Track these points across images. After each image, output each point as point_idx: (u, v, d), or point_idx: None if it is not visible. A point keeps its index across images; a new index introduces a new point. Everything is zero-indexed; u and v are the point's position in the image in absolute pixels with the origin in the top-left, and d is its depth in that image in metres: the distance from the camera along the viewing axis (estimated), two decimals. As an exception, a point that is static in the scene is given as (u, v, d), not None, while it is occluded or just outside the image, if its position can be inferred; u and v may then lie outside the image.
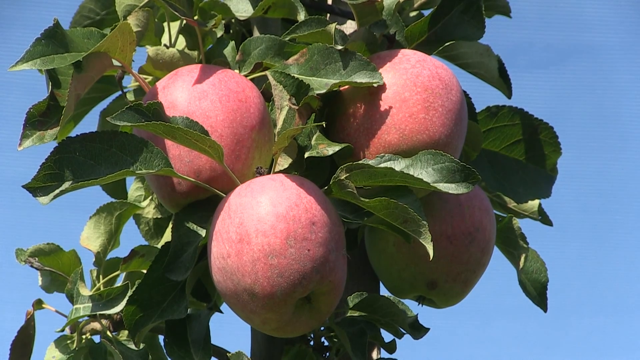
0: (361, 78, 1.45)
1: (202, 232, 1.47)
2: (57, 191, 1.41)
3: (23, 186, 1.42)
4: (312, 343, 1.54)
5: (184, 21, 1.54)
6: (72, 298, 1.68)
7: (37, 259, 1.71)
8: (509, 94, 1.57)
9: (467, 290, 1.55)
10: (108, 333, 1.64)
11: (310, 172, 1.49)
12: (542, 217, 1.61)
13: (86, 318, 1.66)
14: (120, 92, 1.60)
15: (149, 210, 1.65)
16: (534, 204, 1.59)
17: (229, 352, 1.44)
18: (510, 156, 1.56)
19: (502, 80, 1.55)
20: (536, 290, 1.62)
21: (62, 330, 1.69)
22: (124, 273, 1.66)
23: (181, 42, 1.57)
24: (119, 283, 1.65)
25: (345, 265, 1.44)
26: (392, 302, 1.53)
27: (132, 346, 1.59)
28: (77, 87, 1.45)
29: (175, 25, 1.57)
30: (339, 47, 1.46)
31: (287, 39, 1.49)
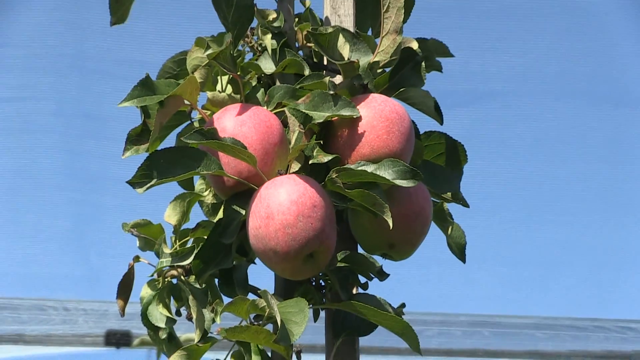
0: (346, 112, 1.45)
1: (243, 212, 1.47)
2: (148, 185, 1.42)
3: (126, 182, 1.42)
4: (313, 283, 1.54)
5: (231, 75, 1.54)
6: (158, 254, 1.68)
7: (135, 229, 1.71)
8: (441, 122, 1.56)
9: (414, 249, 1.55)
10: (182, 277, 1.64)
11: (312, 173, 1.49)
12: (462, 202, 1.61)
13: (167, 267, 1.66)
14: (189, 122, 1.60)
15: (208, 197, 1.65)
16: (450, 194, 1.60)
17: (259, 289, 1.44)
18: (437, 163, 1.56)
19: (436, 113, 1.56)
20: (458, 250, 1.62)
21: (152, 276, 1.68)
22: (192, 238, 1.66)
23: (229, 89, 1.57)
24: (189, 245, 1.65)
25: (335, 234, 1.44)
26: (365, 257, 1.52)
27: (197, 286, 1.59)
28: (161, 117, 1.45)
29: (225, 78, 1.57)
30: (331, 92, 1.46)
31: (298, 87, 1.49)
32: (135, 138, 1.48)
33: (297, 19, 1.60)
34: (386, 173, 1.42)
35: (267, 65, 1.52)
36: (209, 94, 1.54)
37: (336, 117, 1.47)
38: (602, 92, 3.85)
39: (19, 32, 3.53)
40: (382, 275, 1.53)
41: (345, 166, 1.44)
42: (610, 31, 3.73)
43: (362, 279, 1.54)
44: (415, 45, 1.54)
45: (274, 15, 1.55)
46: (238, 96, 1.53)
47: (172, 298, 1.71)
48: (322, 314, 1.55)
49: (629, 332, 3.73)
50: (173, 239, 1.70)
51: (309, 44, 1.56)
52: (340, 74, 1.54)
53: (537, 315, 3.75)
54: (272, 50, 1.53)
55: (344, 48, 1.52)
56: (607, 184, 3.88)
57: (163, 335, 1.73)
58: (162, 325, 1.71)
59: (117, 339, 3.55)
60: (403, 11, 1.50)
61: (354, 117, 1.46)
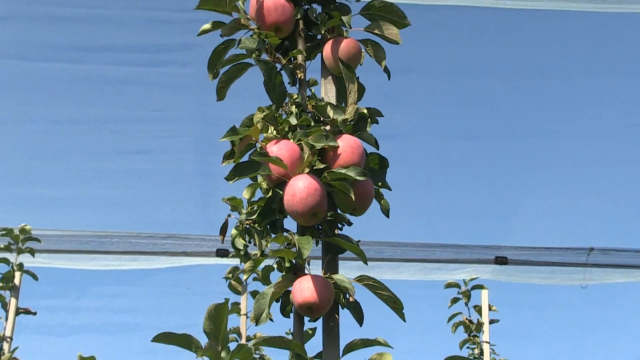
0: (331, 143, 1.40)
1: (281, 192, 1.41)
2: (235, 179, 1.36)
3: (224, 178, 1.36)
4: (316, 227, 1.46)
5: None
6: (239, 213, 1.63)
7: (229, 200, 1.65)
8: (377, 149, 1.50)
9: (365, 211, 1.48)
10: (251, 224, 1.58)
11: (315, 173, 1.43)
12: (388, 187, 1.54)
13: (244, 219, 1.61)
14: (254, 148, 1.54)
15: (264, 185, 1.59)
16: (380, 183, 1.52)
17: (289, 230, 1.37)
18: (374, 167, 1.50)
19: (376, 144, 1.51)
20: (385, 211, 1.56)
21: (237, 224, 1.64)
22: (256, 205, 1.60)
23: (274, 132, 1.51)
24: (254, 209, 1.59)
25: (327, 203, 1.39)
26: (341, 215, 1.46)
27: (259, 228, 1.53)
28: (240, 146, 1.41)
29: (272, 127, 1.51)
30: (324, 134, 1.41)
31: (308, 131, 1.45)
32: (228, 156, 1.44)
33: (308, 98, 1.54)
34: (351, 173, 1.37)
35: (293, 121, 1.47)
36: (265, 134, 1.49)
37: (327, 146, 1.42)
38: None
39: (172, 102, 3.58)
40: (350, 224, 1.48)
41: (331, 170, 1.39)
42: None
43: (340, 226, 1.48)
44: (365, 111, 1.50)
45: (296, 95, 1.51)
46: (279, 136, 1.48)
47: (246, 235, 1.66)
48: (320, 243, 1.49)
49: (462, 250, 3.65)
50: (247, 205, 1.65)
51: (313, 110, 1.51)
52: (328, 125, 1.48)
53: (422, 242, 3.71)
54: (295, 113, 1.48)
55: (330, 112, 1.47)
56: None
57: (242, 253, 1.68)
58: (241, 248, 1.66)
59: (222, 254, 3.53)
60: (357, 93, 1.47)
61: (335, 146, 1.41)
